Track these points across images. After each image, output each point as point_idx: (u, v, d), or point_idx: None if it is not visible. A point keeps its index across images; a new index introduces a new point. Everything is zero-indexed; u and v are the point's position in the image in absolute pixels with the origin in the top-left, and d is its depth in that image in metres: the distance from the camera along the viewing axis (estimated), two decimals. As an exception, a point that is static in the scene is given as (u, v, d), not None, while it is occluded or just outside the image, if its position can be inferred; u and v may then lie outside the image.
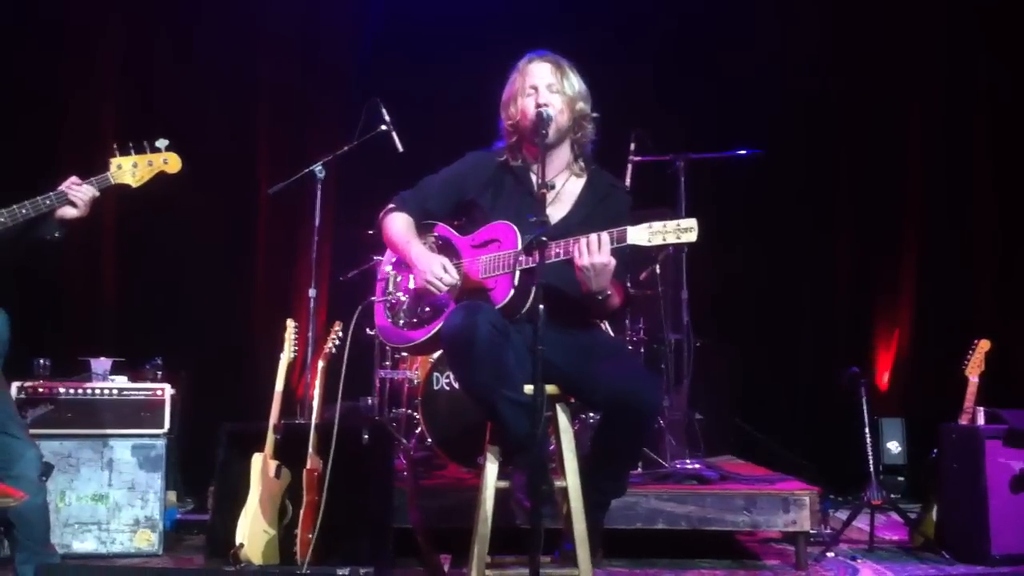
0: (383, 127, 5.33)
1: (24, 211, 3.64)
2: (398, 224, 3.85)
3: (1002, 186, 6.81)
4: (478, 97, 6.29)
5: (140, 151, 3.89)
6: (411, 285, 3.82)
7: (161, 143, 3.91)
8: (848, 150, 7.14)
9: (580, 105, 3.78)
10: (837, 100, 7.10)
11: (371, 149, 5.35)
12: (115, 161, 3.84)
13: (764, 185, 6.61)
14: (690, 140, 5.64)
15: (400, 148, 5.35)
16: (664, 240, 3.37)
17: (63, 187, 3.70)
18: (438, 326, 3.66)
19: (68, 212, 3.70)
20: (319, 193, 5.25)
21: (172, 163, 3.94)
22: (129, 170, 3.85)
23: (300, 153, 6.07)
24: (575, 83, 3.78)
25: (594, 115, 3.83)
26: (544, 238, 3.29)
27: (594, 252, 3.39)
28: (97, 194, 3.75)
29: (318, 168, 5.22)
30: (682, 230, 3.34)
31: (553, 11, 6.77)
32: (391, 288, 3.90)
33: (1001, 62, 6.77)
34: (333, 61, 6.99)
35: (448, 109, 6.56)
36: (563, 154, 3.83)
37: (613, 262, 3.42)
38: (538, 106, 3.68)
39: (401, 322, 3.82)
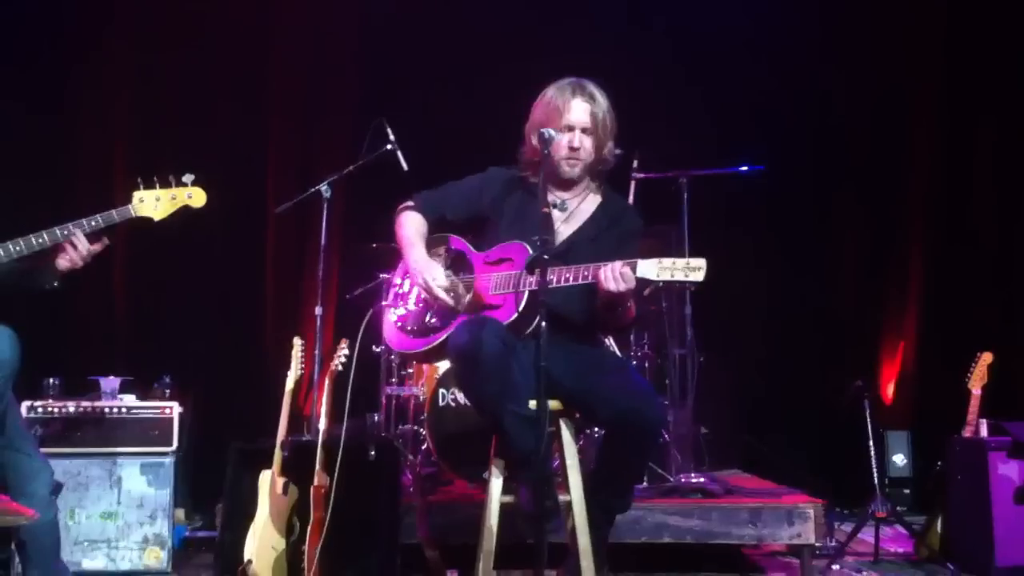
0: (388, 146, 5.37)
1: (17, 248, 3.67)
2: (410, 224, 3.93)
3: (1005, 199, 6.86)
4: (483, 114, 6.41)
5: (165, 185, 3.89)
6: (420, 293, 3.88)
7: (187, 178, 3.90)
8: (851, 163, 7.17)
9: (609, 145, 3.88)
10: (839, 111, 7.16)
11: (377, 168, 5.40)
12: (138, 194, 3.85)
13: (767, 198, 6.64)
14: (693, 152, 5.69)
15: (405, 167, 5.38)
16: (672, 276, 3.41)
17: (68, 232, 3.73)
18: (443, 336, 3.73)
19: (61, 263, 3.71)
20: (325, 212, 5.29)
21: (197, 198, 3.94)
22: (152, 203, 3.86)
23: (308, 171, 6.12)
24: (608, 124, 3.85)
25: (617, 151, 3.92)
26: (545, 257, 3.33)
27: (619, 281, 3.44)
28: (96, 249, 3.75)
29: (324, 187, 5.25)
30: (691, 269, 3.38)
31: (556, 29, 6.82)
32: (402, 295, 3.96)
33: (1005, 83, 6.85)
34: (340, 80, 7.05)
35: (453, 127, 6.60)
36: (582, 178, 3.93)
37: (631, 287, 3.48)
38: (570, 149, 3.80)
39: (408, 329, 3.88)
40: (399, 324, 3.93)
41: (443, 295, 3.73)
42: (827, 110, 7.13)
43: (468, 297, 3.77)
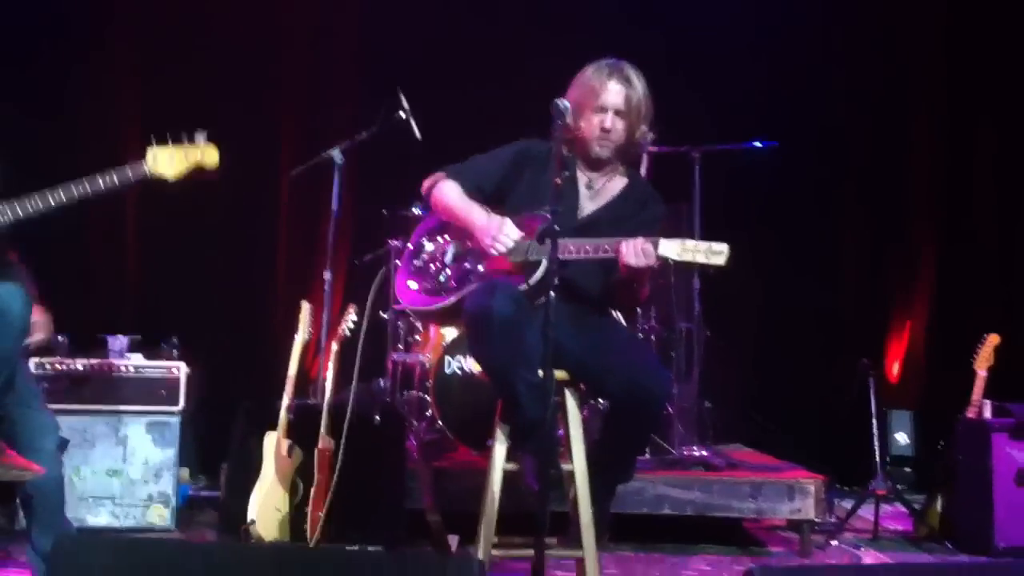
0: (401, 114, 5.36)
1: (33, 204, 3.68)
2: (453, 191, 3.87)
3: (1011, 182, 6.86)
4: (497, 84, 6.38)
5: (178, 142, 3.84)
6: (437, 253, 3.90)
7: (200, 135, 3.87)
8: (863, 142, 7.15)
9: (642, 129, 3.87)
10: (852, 93, 7.12)
11: (390, 136, 5.39)
12: (151, 151, 3.75)
13: (778, 175, 6.59)
14: (705, 132, 5.67)
15: (419, 136, 5.37)
16: (693, 259, 3.43)
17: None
18: (456, 297, 3.74)
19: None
20: (337, 178, 5.29)
21: (209, 156, 3.84)
22: (166, 161, 3.76)
23: (321, 136, 6.10)
24: (643, 109, 3.84)
25: (650, 136, 3.92)
26: (556, 228, 3.33)
27: (639, 256, 3.46)
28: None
29: (336, 153, 5.26)
30: (713, 252, 3.41)
31: (571, 4, 6.80)
32: (420, 254, 3.96)
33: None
34: (355, 46, 7.02)
35: (467, 96, 6.58)
36: (612, 160, 3.93)
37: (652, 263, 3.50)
38: (603, 130, 3.80)
39: (423, 287, 3.89)
40: (413, 282, 3.92)
41: (512, 246, 3.69)
42: (839, 88, 7.10)
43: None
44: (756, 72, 6.87)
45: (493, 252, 3.68)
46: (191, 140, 3.85)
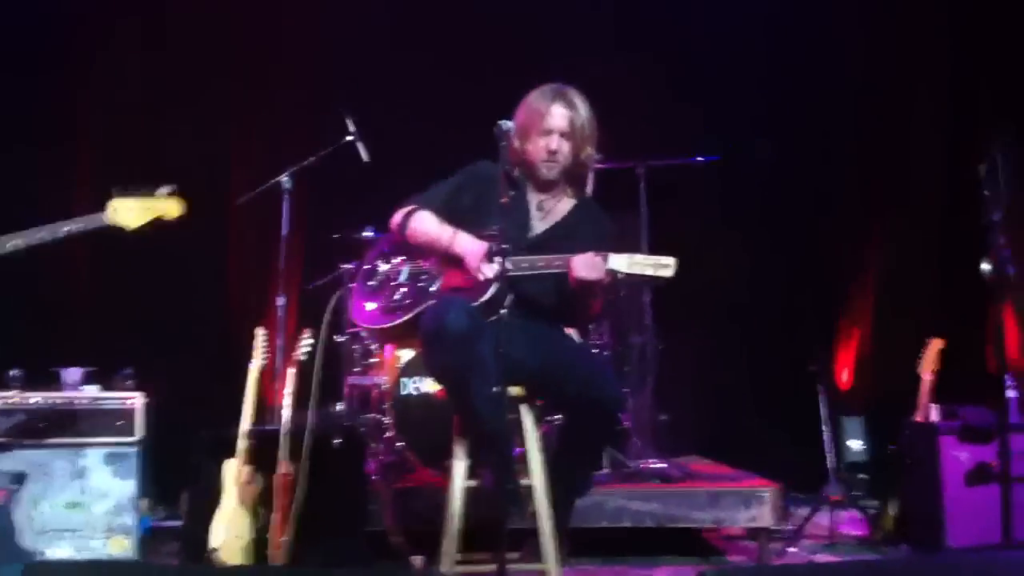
0: (349, 137, 5.39)
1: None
2: (431, 219, 3.94)
3: (960, 189, 6.97)
4: (446, 105, 6.42)
5: (141, 194, 3.92)
6: (392, 273, 3.97)
7: (164, 189, 3.93)
8: (809, 146, 7.23)
9: (588, 150, 3.99)
10: (792, 100, 7.22)
11: (338, 159, 5.42)
12: (112, 203, 3.88)
13: (726, 186, 6.69)
14: (654, 143, 5.76)
15: (365, 157, 5.41)
16: (642, 272, 3.57)
17: None
18: (414, 313, 3.80)
19: None
20: (286, 203, 5.31)
21: (173, 209, 3.97)
22: (126, 213, 3.89)
23: (270, 162, 6.12)
24: (587, 129, 3.96)
25: (597, 157, 4.04)
26: (504, 246, 3.41)
27: (589, 268, 3.58)
28: None
29: (285, 179, 5.28)
30: (660, 265, 3.55)
31: (521, 16, 6.84)
32: (375, 276, 4.02)
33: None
34: (303, 71, 7.04)
35: (414, 118, 6.63)
36: (559, 180, 4.04)
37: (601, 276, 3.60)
38: (549, 152, 3.91)
39: (380, 307, 3.94)
40: (370, 302, 3.98)
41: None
42: (788, 99, 7.18)
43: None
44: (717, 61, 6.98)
45: (480, 277, 3.74)
46: (155, 193, 3.91)
